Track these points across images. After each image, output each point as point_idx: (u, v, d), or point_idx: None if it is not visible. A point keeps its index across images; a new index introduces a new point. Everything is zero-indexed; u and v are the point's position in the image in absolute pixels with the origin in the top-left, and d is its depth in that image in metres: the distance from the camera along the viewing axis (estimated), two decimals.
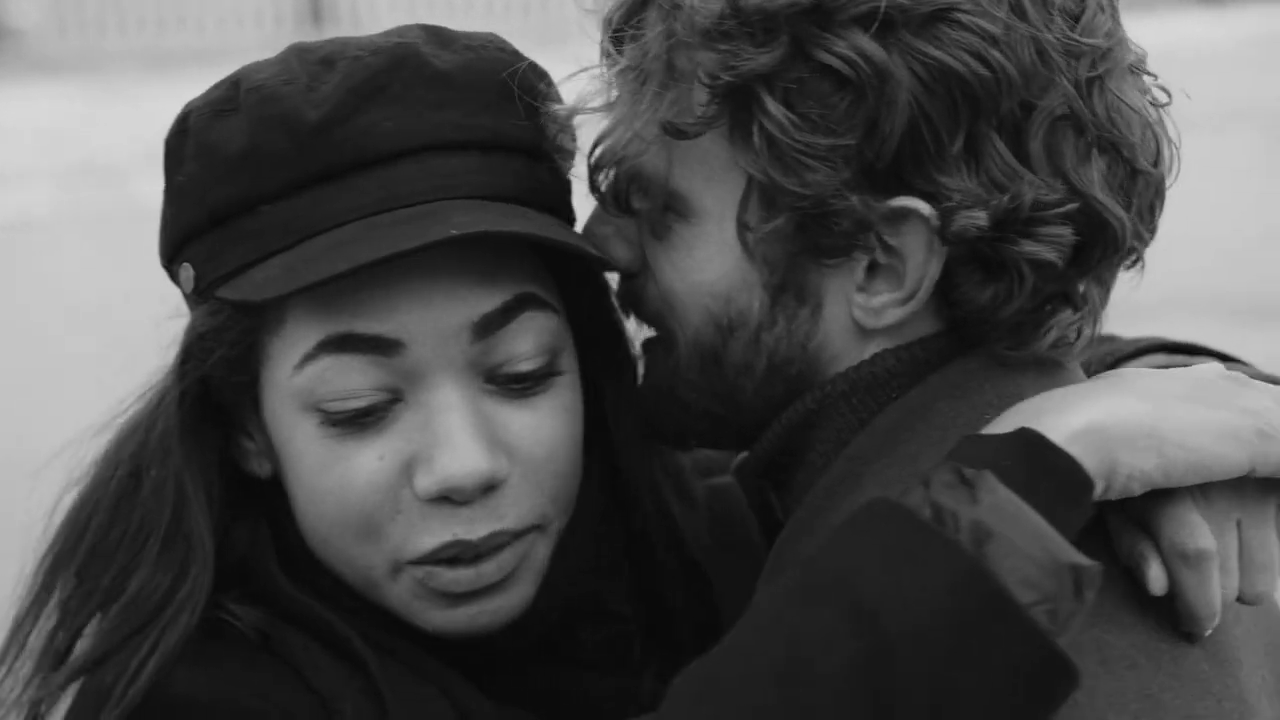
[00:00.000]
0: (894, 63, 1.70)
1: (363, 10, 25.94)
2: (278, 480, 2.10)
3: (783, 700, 1.59)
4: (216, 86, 2.09)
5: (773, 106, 1.76)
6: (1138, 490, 1.66)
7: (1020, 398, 1.76)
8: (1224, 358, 2.08)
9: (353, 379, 1.95)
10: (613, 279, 2.10)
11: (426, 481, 1.94)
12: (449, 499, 1.96)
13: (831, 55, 1.72)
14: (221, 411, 2.11)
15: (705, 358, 1.90)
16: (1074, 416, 1.66)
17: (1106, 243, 1.76)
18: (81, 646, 2.06)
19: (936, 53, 1.70)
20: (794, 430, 1.89)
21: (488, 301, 1.96)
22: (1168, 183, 1.87)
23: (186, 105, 2.11)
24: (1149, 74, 1.88)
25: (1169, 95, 1.90)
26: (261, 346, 2.02)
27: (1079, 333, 1.83)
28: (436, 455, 1.95)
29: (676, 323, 1.93)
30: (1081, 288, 1.81)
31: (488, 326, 1.96)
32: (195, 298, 2.06)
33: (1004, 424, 1.69)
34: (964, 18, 1.70)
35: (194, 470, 2.07)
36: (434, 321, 1.94)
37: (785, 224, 1.80)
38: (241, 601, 2.05)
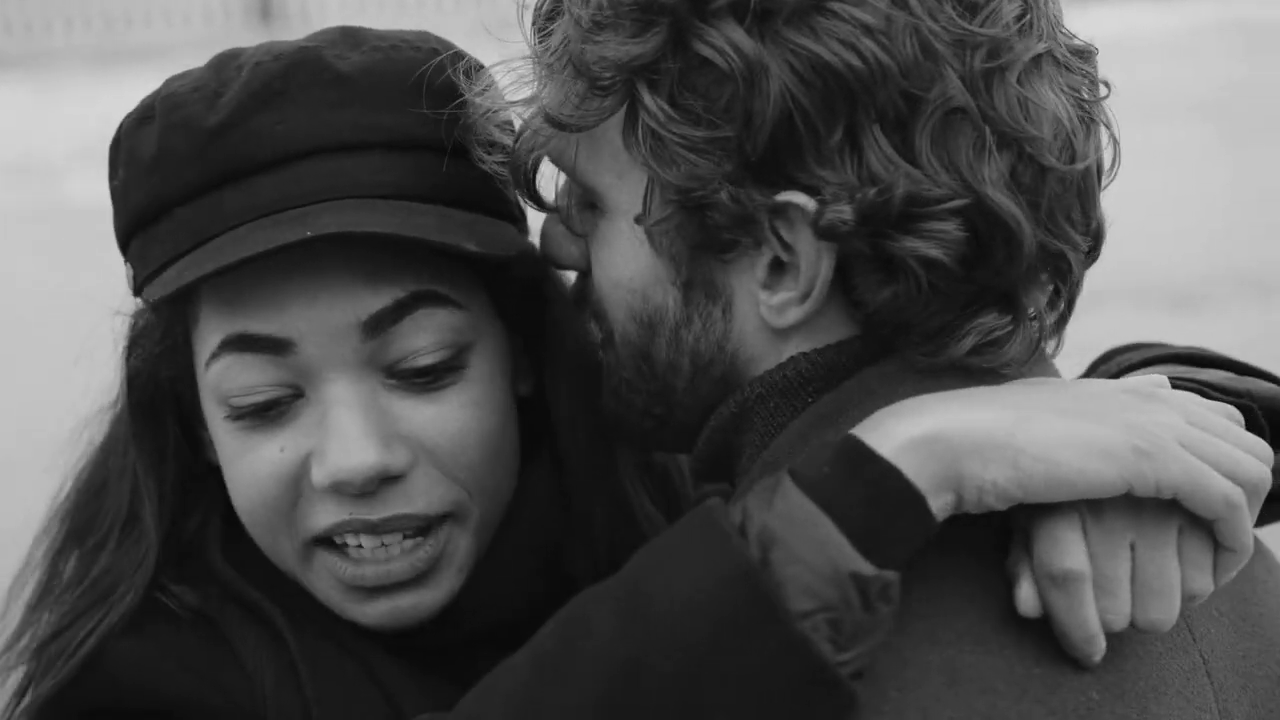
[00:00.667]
0: (768, 54, 1.67)
1: (312, 8, 25.85)
2: None
3: (538, 686, 1.59)
4: (147, 96, 2.16)
5: (649, 98, 1.74)
6: (995, 504, 1.59)
7: None
8: (1244, 370, 2.03)
9: (251, 376, 2.02)
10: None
11: (319, 474, 2.00)
12: (345, 491, 2.01)
13: (706, 46, 1.71)
14: (173, 404, 2.20)
15: (636, 356, 1.89)
16: (915, 424, 1.60)
17: (1007, 242, 1.69)
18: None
19: (809, 44, 1.67)
20: (723, 434, 1.89)
21: (377, 300, 2.00)
22: (1105, 180, 1.81)
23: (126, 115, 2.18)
24: (1081, 68, 1.81)
25: (1108, 88, 1.83)
26: (188, 343, 2.11)
27: (1011, 338, 1.75)
28: (328, 450, 2.00)
29: (610, 320, 1.92)
30: (1019, 292, 1.75)
31: (378, 324, 2.00)
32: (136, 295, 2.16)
33: (855, 429, 1.63)
34: (839, 7, 1.67)
35: (144, 458, 2.17)
36: (321, 321, 1.99)
37: (674, 218, 1.77)
38: (182, 582, 2.13)
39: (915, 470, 1.55)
